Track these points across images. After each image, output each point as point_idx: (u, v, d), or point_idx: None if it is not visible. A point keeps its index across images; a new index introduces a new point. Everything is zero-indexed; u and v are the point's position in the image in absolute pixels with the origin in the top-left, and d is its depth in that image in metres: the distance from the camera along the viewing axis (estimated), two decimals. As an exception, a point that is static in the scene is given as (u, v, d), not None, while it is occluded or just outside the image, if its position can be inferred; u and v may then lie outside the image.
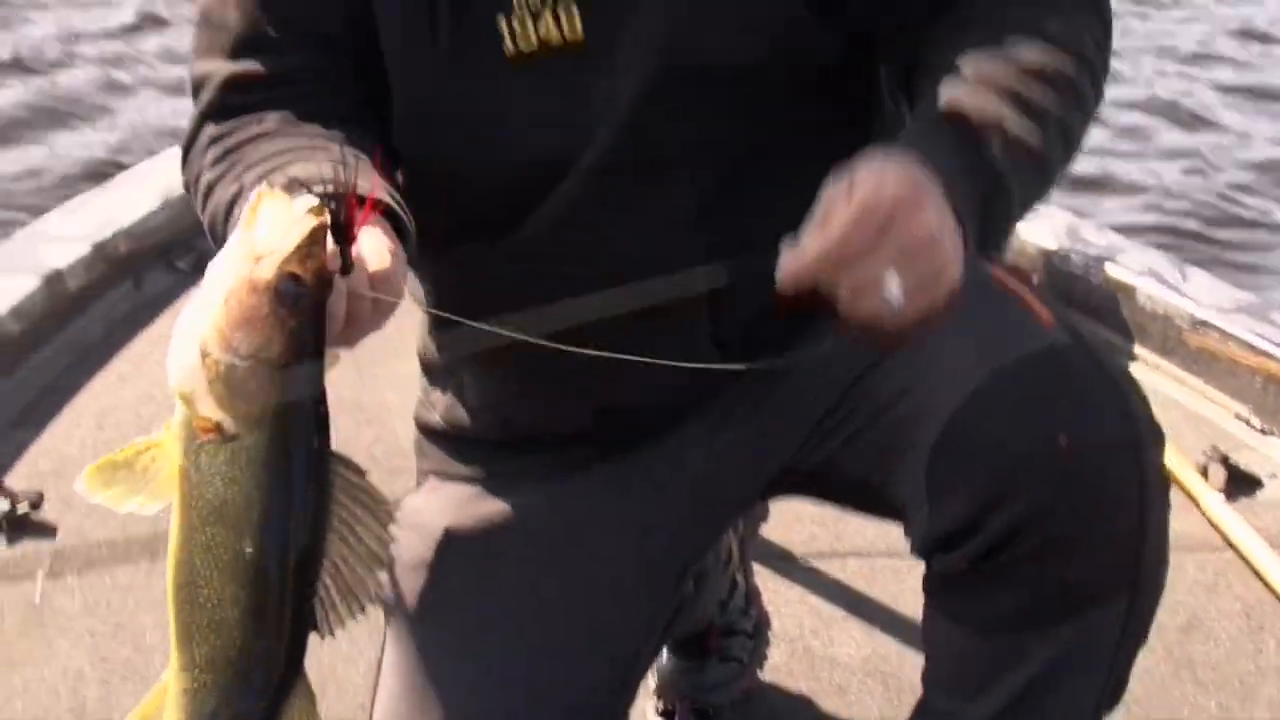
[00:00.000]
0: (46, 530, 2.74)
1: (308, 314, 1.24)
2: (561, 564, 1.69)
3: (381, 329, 1.33)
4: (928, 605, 1.64)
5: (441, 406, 1.82)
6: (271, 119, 1.52)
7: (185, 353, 1.25)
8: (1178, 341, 3.37)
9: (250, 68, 1.55)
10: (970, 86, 1.45)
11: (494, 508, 1.75)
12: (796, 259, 1.33)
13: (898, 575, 2.59)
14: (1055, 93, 1.47)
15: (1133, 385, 1.56)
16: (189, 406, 1.25)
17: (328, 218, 1.23)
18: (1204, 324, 3.33)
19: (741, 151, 1.61)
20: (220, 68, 1.56)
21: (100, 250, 3.53)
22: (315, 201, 1.24)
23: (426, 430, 1.85)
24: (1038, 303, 1.60)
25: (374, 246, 1.31)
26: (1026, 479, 1.49)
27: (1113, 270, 3.53)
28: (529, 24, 1.55)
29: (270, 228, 1.24)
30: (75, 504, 2.80)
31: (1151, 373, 3.34)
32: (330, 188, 1.27)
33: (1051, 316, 1.58)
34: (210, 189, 1.49)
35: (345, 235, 1.25)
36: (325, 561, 1.29)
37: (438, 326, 1.82)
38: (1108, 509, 1.50)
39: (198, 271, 3.50)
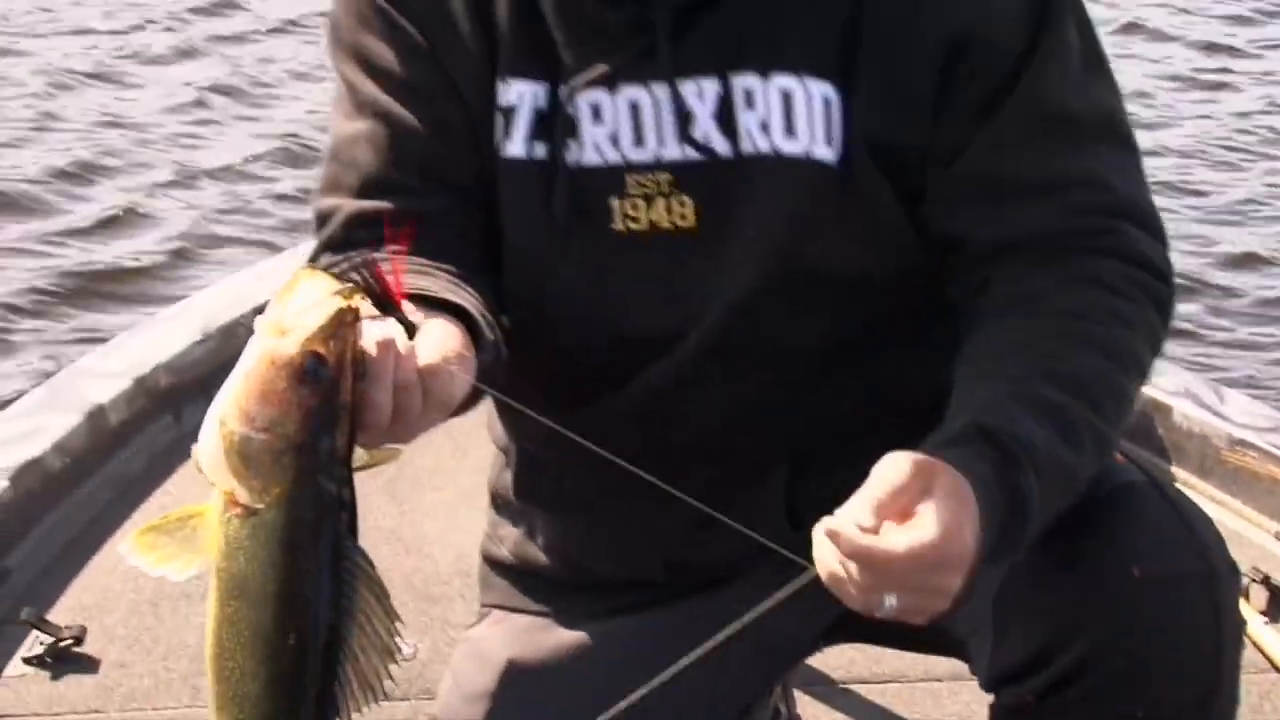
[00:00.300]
0: (89, 664, 2.74)
1: (330, 394, 1.24)
2: (620, 689, 1.70)
3: (423, 432, 1.34)
4: None
5: (510, 542, 1.85)
6: (385, 250, 1.55)
7: (209, 424, 1.27)
8: (1216, 461, 3.36)
9: (377, 206, 1.60)
10: (1018, 403, 1.47)
11: (557, 642, 1.77)
12: (839, 537, 1.36)
13: (938, 701, 2.57)
14: (1097, 408, 1.50)
15: (1205, 521, 1.57)
16: (211, 477, 1.26)
17: (357, 302, 1.24)
18: (1242, 443, 3.32)
19: (831, 346, 1.67)
20: (347, 204, 1.61)
21: (141, 385, 3.55)
22: (347, 285, 1.26)
23: (493, 563, 1.88)
24: None
25: (429, 342, 1.33)
26: (1097, 611, 1.49)
27: (1148, 390, 3.53)
28: (642, 207, 1.61)
29: (300, 304, 1.24)
30: (118, 638, 2.82)
31: (1189, 493, 3.31)
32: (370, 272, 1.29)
33: (1122, 455, 1.61)
34: None
35: (389, 303, 1.27)
36: (348, 648, 1.30)
37: (516, 464, 1.85)
38: (1180, 645, 1.50)
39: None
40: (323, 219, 1.63)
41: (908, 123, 1.60)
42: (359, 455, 1.33)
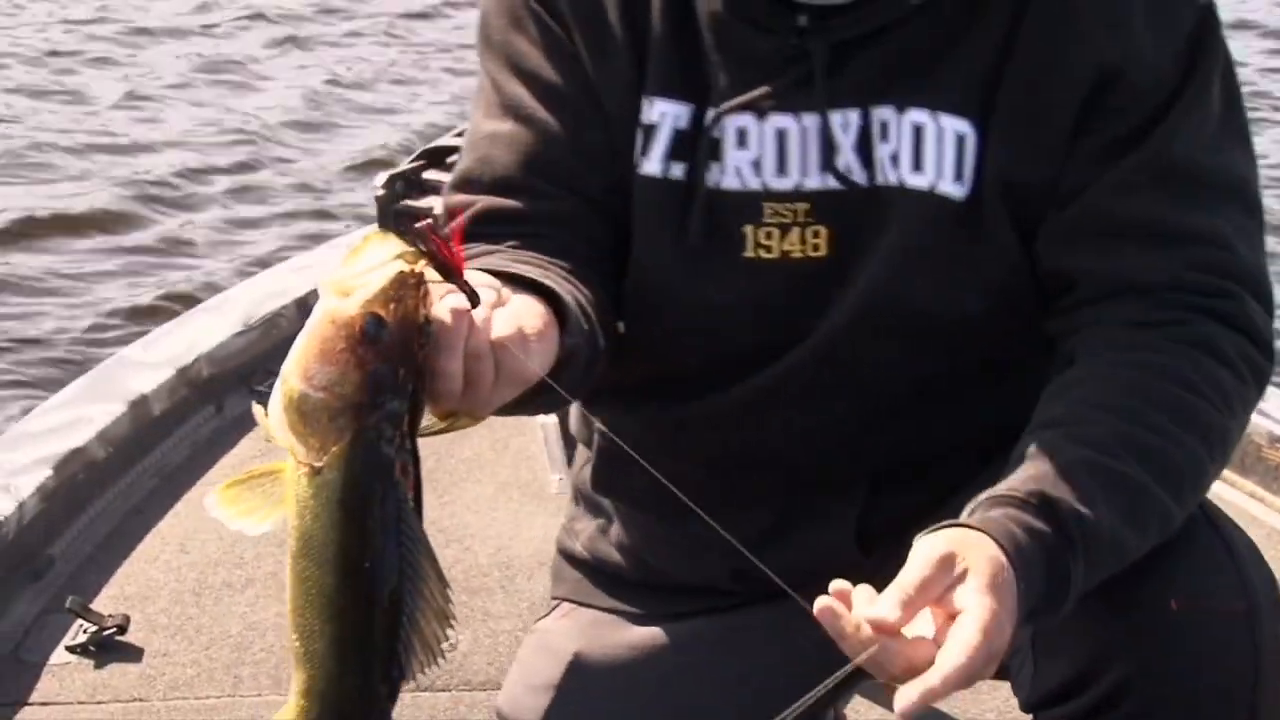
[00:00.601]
0: (133, 653, 2.77)
1: (390, 356, 1.24)
2: (686, 701, 1.71)
3: (482, 421, 1.35)
4: None
5: (584, 537, 1.87)
6: (505, 245, 1.59)
7: (277, 382, 1.28)
8: (1256, 458, 3.34)
9: (505, 204, 1.64)
10: (1094, 476, 1.46)
11: (625, 639, 1.79)
12: (869, 614, 1.35)
13: (976, 696, 2.56)
14: (1177, 494, 1.49)
15: (1256, 558, 1.56)
16: (274, 434, 1.27)
17: (421, 266, 1.24)
18: (1281, 440, 3.31)
19: (924, 377, 1.68)
20: (477, 200, 1.64)
21: (183, 375, 3.58)
22: (412, 250, 1.26)
23: (567, 556, 1.90)
24: None
25: (508, 316, 1.34)
26: (1134, 640, 1.49)
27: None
28: (775, 236, 1.64)
29: (364, 266, 1.25)
30: (160, 627, 2.84)
31: (1229, 490, 3.31)
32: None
33: None
34: None
35: (451, 269, 1.27)
36: (407, 610, 1.30)
37: (595, 458, 1.87)
38: (1217, 677, 1.49)
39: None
40: (452, 214, 1.66)
41: (1041, 159, 1.60)
42: (435, 421, 1.34)
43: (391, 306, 1.23)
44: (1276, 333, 1.63)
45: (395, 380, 1.25)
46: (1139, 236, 1.58)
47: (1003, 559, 1.36)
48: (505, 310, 1.36)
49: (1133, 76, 1.59)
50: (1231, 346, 1.56)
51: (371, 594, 1.29)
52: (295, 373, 1.25)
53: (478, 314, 1.31)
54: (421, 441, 1.34)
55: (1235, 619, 1.49)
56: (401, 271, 1.24)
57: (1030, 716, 1.62)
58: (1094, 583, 1.44)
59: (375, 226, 1.31)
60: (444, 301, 1.29)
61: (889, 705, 2.59)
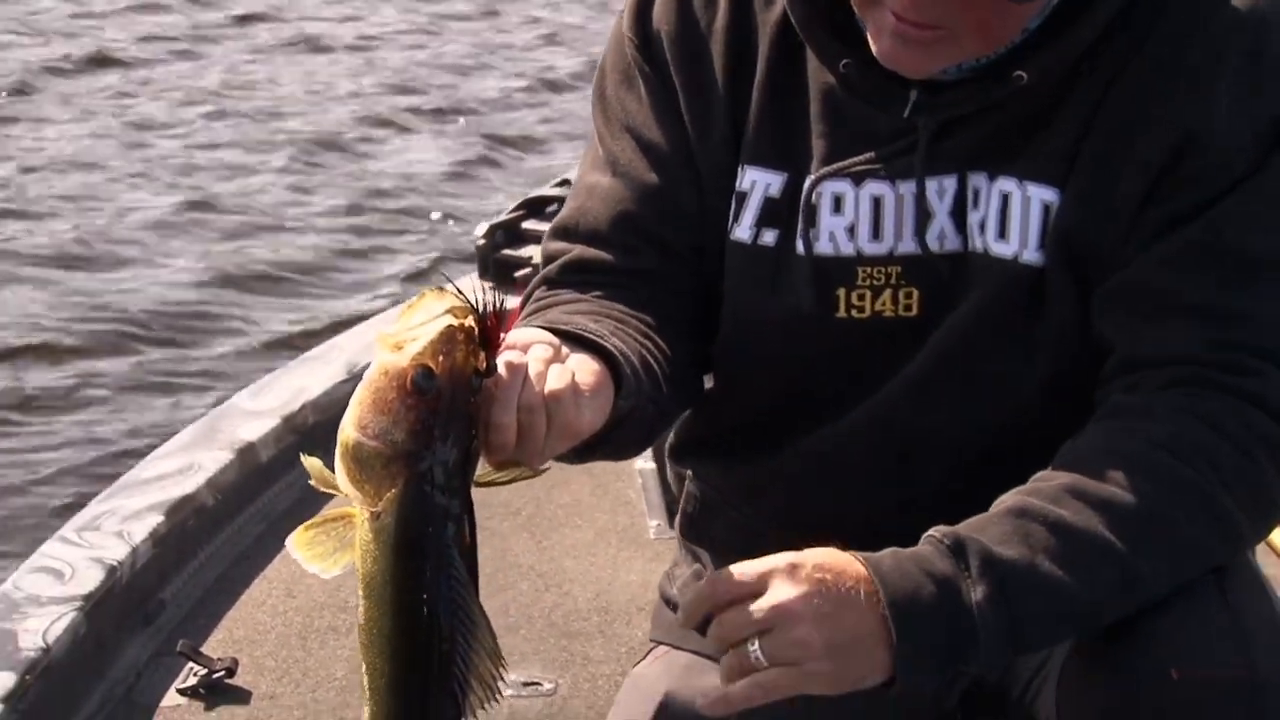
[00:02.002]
0: (241, 695, 2.82)
1: (439, 406, 1.29)
2: None
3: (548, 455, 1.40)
4: None
5: (680, 582, 1.91)
6: (591, 295, 1.66)
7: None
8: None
9: (600, 256, 1.71)
10: (1015, 515, 1.49)
11: (715, 681, 1.80)
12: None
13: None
14: (1130, 538, 1.48)
15: (1268, 627, 1.54)
16: (339, 482, 1.34)
17: (470, 322, 1.30)
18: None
19: (989, 441, 1.71)
20: (571, 249, 1.72)
21: (289, 423, 3.64)
22: (462, 306, 1.31)
23: (666, 600, 1.95)
24: None
25: (559, 372, 1.40)
26: (1134, 709, 1.50)
27: None
28: (868, 297, 1.68)
29: (417, 321, 1.31)
30: (268, 670, 2.89)
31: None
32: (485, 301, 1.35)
33: None
34: None
35: (489, 340, 1.32)
36: (460, 650, 1.35)
37: (687, 504, 1.92)
38: None
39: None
40: (549, 258, 1.74)
41: (1110, 223, 1.61)
42: (493, 471, 1.40)
43: (441, 359, 1.29)
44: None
45: (445, 429, 1.31)
46: (1172, 311, 1.58)
47: (860, 570, 1.42)
48: (560, 366, 1.41)
49: (1209, 148, 1.59)
50: (1239, 423, 1.54)
51: (423, 634, 1.34)
52: (351, 423, 1.32)
53: (532, 369, 1.36)
54: (520, 487, 1.38)
55: (1236, 689, 1.48)
56: (451, 326, 1.29)
57: None
58: (1047, 632, 1.48)
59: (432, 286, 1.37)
60: (501, 356, 1.34)
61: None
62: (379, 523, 1.32)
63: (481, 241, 4.47)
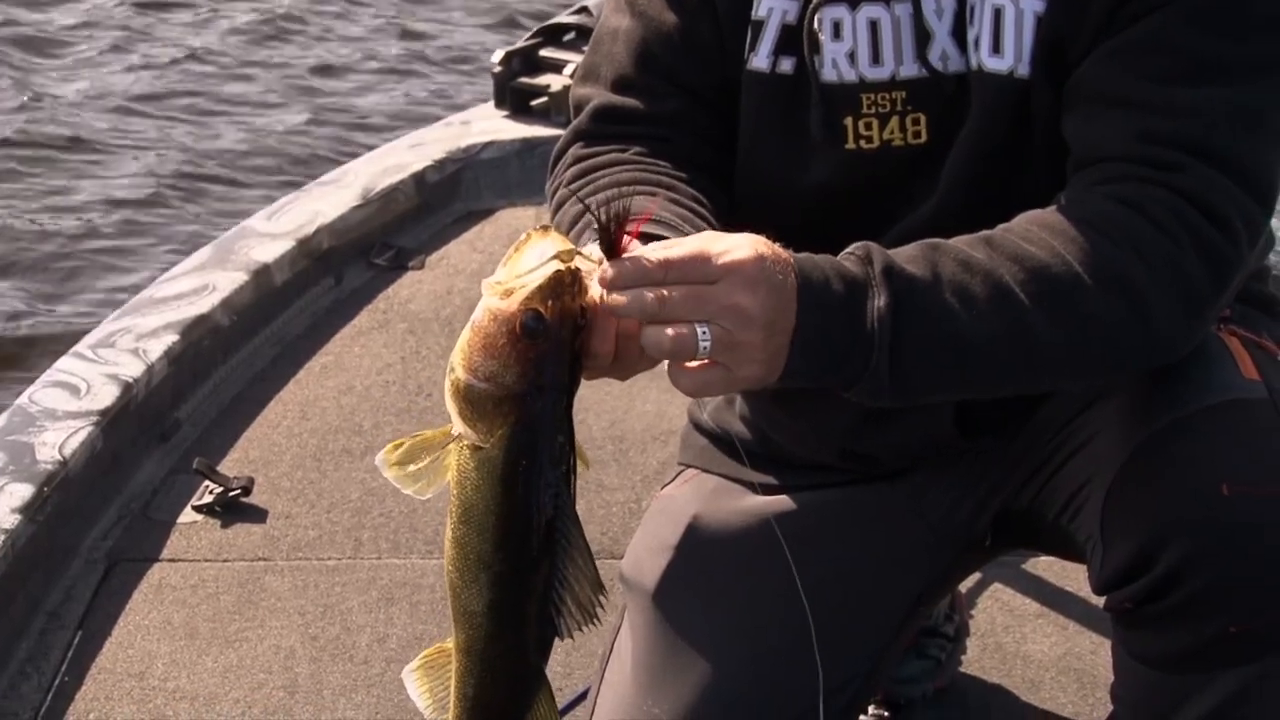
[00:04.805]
0: (257, 514, 2.85)
1: (548, 350, 1.32)
2: (801, 561, 1.75)
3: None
4: (1112, 634, 1.67)
5: (711, 407, 1.93)
6: (632, 151, 1.67)
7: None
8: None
9: (625, 102, 1.72)
10: (921, 247, 1.48)
11: (742, 505, 1.84)
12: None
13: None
14: (1026, 284, 1.46)
15: None
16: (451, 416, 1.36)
17: (576, 264, 1.32)
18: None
19: None
20: (599, 95, 1.73)
21: (304, 247, 3.64)
22: (569, 249, 1.33)
23: (695, 425, 1.97)
24: (1248, 358, 1.62)
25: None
26: (1185, 526, 1.51)
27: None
28: (875, 126, 1.67)
29: (524, 266, 1.33)
30: (283, 491, 2.92)
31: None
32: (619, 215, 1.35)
33: (1257, 372, 1.60)
34: (562, 203, 1.66)
35: (613, 247, 1.34)
36: (559, 576, 1.38)
37: None
38: (1268, 563, 1.49)
39: (395, 267, 3.67)
40: (577, 107, 1.75)
41: (1087, 29, 1.59)
42: None
43: (549, 304, 1.31)
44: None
45: (555, 369, 1.33)
46: (1110, 105, 1.56)
47: (784, 256, 1.40)
48: None
49: None
50: (1166, 208, 1.50)
51: (524, 562, 1.37)
52: (461, 365, 1.33)
53: None
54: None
55: None
56: (558, 271, 1.31)
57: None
58: (928, 362, 1.45)
59: (534, 224, 1.38)
60: (594, 285, 1.35)
61: (999, 578, 2.61)
62: (484, 453, 1.35)
63: (498, 69, 4.42)
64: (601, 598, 1.38)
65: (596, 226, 1.34)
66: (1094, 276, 1.47)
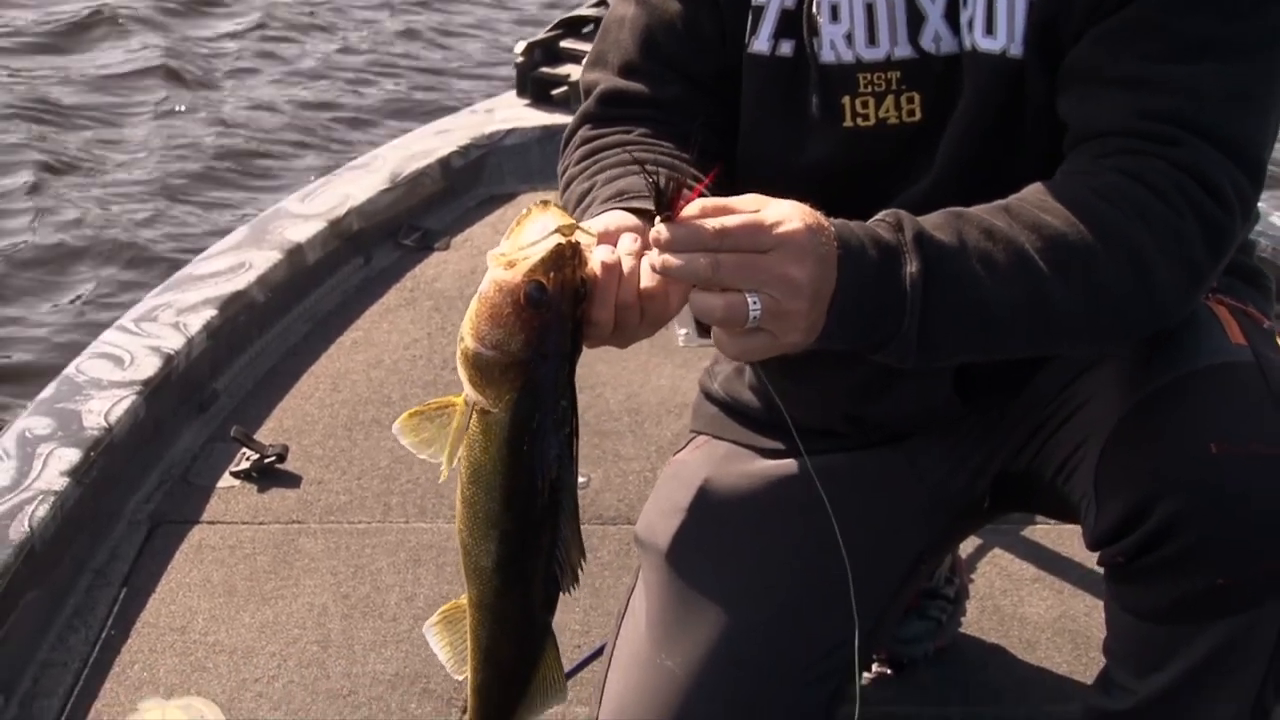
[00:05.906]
0: (291, 480, 2.98)
1: (551, 319, 1.38)
2: (800, 525, 1.82)
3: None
4: (1105, 590, 1.73)
5: (721, 377, 2.01)
6: (637, 133, 1.74)
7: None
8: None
9: (630, 87, 1.80)
10: (947, 215, 1.52)
11: (749, 469, 1.92)
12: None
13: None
14: (1045, 251, 1.51)
15: None
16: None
17: (576, 237, 1.39)
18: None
19: None
20: (606, 80, 1.81)
21: (335, 227, 3.76)
22: (569, 223, 1.39)
23: (706, 394, 2.04)
24: (1235, 325, 1.67)
25: (650, 269, 1.46)
26: (1174, 484, 1.56)
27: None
28: (871, 104, 1.73)
29: (527, 239, 1.40)
30: (316, 458, 3.04)
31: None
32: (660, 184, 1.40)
33: (1244, 338, 1.65)
34: (570, 181, 1.73)
35: (672, 214, 1.39)
36: (560, 536, 1.45)
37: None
38: (1254, 522, 1.54)
39: (422, 248, 3.80)
40: (586, 91, 1.83)
41: (1078, 9, 1.64)
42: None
43: (551, 275, 1.37)
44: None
45: (558, 337, 1.39)
46: (1106, 85, 1.60)
47: (826, 226, 1.43)
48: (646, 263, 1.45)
49: None
50: (1170, 181, 1.54)
51: (530, 520, 1.44)
52: (470, 334, 1.40)
53: (625, 265, 1.43)
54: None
55: (1273, 464, 1.54)
56: (560, 243, 1.37)
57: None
58: (954, 329, 1.48)
59: (535, 200, 1.43)
60: (595, 257, 1.41)
61: (1001, 544, 2.70)
62: (491, 417, 1.40)
63: (520, 60, 4.53)
64: (582, 560, 1.45)
65: (649, 185, 1.38)
66: (1106, 245, 1.52)
